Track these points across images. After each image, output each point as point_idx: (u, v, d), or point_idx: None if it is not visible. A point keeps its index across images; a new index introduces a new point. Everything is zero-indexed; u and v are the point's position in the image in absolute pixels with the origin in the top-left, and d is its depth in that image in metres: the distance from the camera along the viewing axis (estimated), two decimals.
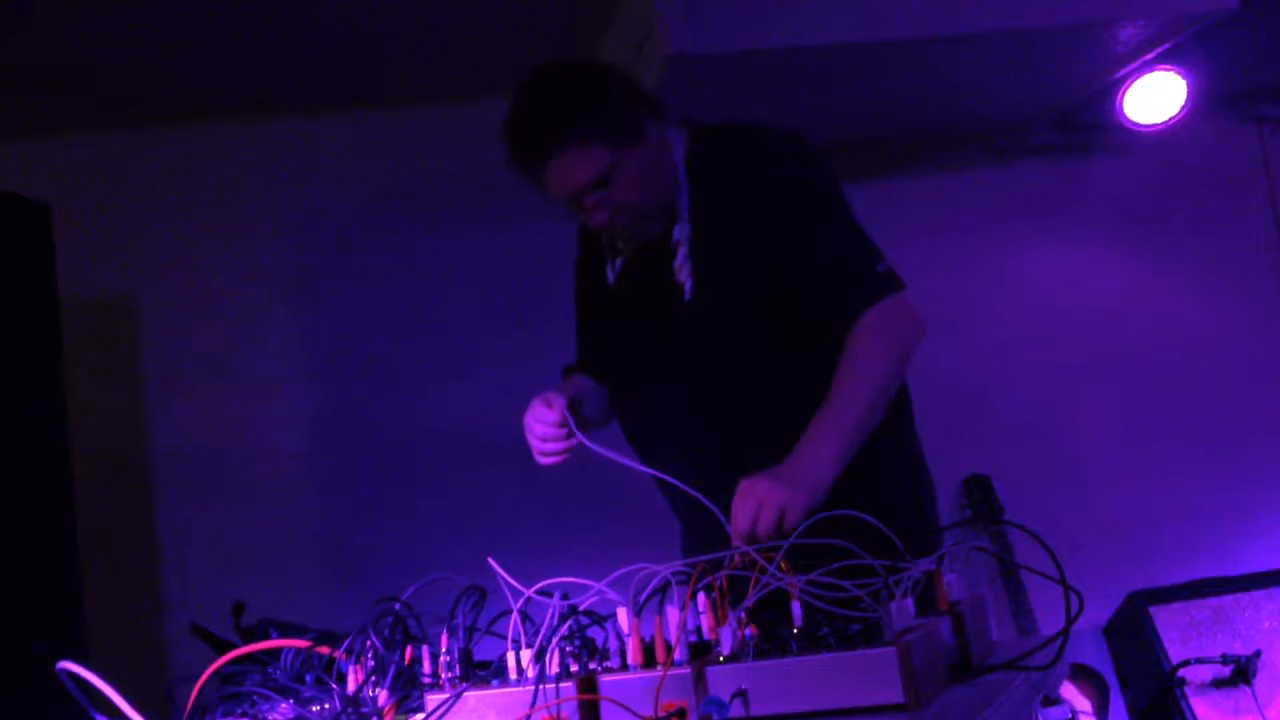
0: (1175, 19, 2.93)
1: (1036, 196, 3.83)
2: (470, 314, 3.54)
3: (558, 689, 1.17)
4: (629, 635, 1.21)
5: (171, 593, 3.34)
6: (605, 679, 1.18)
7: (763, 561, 1.29)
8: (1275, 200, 3.93)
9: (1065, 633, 1.30)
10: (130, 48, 3.00)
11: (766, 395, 1.86)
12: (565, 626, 1.22)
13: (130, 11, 2.80)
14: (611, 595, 1.28)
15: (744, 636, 1.19)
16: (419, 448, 3.46)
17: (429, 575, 1.40)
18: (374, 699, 1.28)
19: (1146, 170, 3.86)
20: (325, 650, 1.37)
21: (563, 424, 1.81)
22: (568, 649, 1.22)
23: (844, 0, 2.79)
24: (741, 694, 1.13)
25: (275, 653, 1.39)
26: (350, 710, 1.26)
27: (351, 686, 1.29)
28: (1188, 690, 3.33)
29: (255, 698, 1.33)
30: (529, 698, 1.17)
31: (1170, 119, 3.53)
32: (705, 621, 1.28)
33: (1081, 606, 1.27)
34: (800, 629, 1.22)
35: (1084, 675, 3.43)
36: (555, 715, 1.15)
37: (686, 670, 1.16)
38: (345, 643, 1.33)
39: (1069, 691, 3.37)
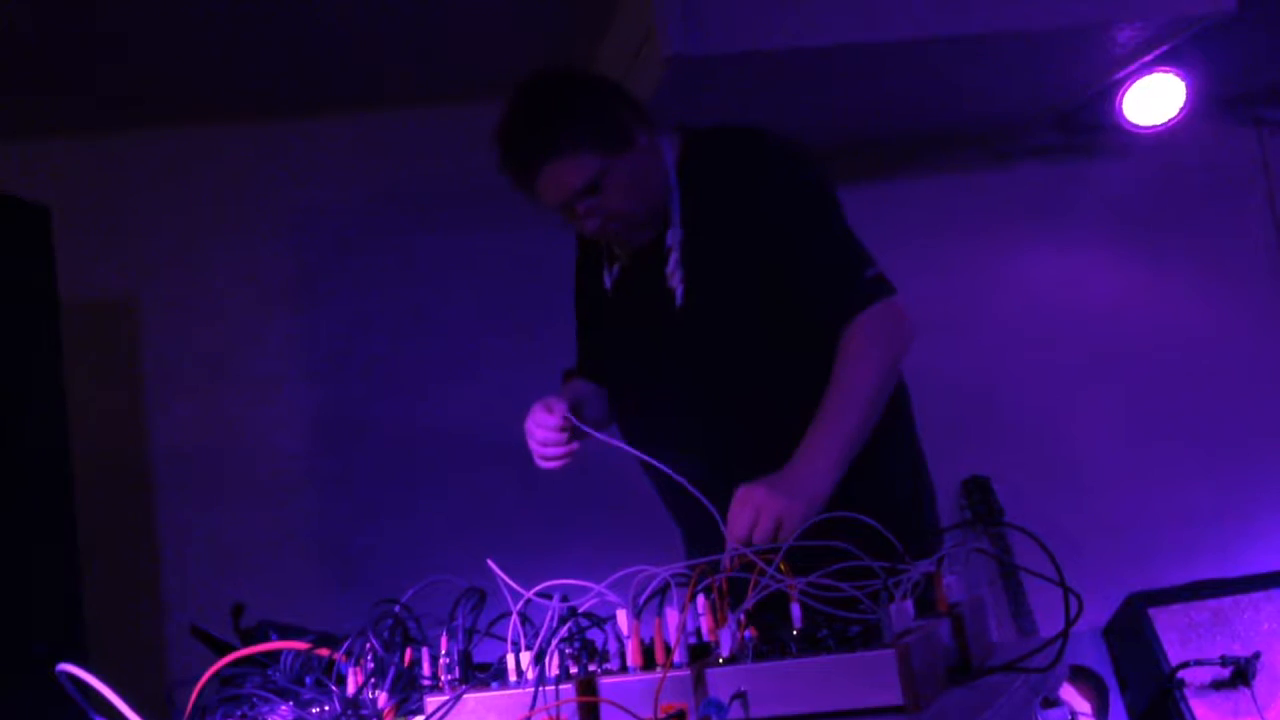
0: (1174, 21, 2.93)
1: (1036, 198, 3.84)
2: (470, 314, 3.55)
3: (557, 691, 1.17)
4: (628, 637, 1.22)
5: (171, 594, 3.34)
6: (605, 681, 1.18)
7: (761, 564, 1.29)
8: (1274, 201, 3.93)
9: (1065, 634, 1.30)
10: (130, 48, 3.00)
11: (760, 399, 1.86)
12: (565, 628, 1.23)
13: (130, 12, 2.80)
14: (611, 597, 1.28)
15: (743, 638, 1.20)
16: (419, 449, 3.46)
17: (428, 577, 1.40)
18: (373, 701, 1.28)
19: (1146, 172, 3.86)
20: (325, 652, 1.37)
21: (563, 428, 1.81)
22: (567, 651, 1.22)
23: (844, 1, 2.79)
24: (741, 696, 1.13)
25: (275, 655, 1.39)
26: (350, 712, 1.26)
27: (351, 688, 1.30)
28: (1187, 692, 3.33)
29: (255, 700, 1.34)
30: (528, 700, 1.18)
31: (1169, 121, 3.53)
32: (704, 623, 1.28)
33: (1081, 608, 1.27)
34: (799, 631, 1.23)
35: (1083, 677, 3.43)
36: (555, 717, 1.15)
37: (686, 672, 1.16)
38: (345, 645, 1.33)
39: (1068, 693, 3.37)
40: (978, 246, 3.79)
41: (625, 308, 1.98)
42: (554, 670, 1.21)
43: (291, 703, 1.32)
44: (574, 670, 1.21)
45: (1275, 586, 3.52)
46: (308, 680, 1.35)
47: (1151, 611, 3.46)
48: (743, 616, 1.22)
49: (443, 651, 1.30)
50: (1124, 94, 3.47)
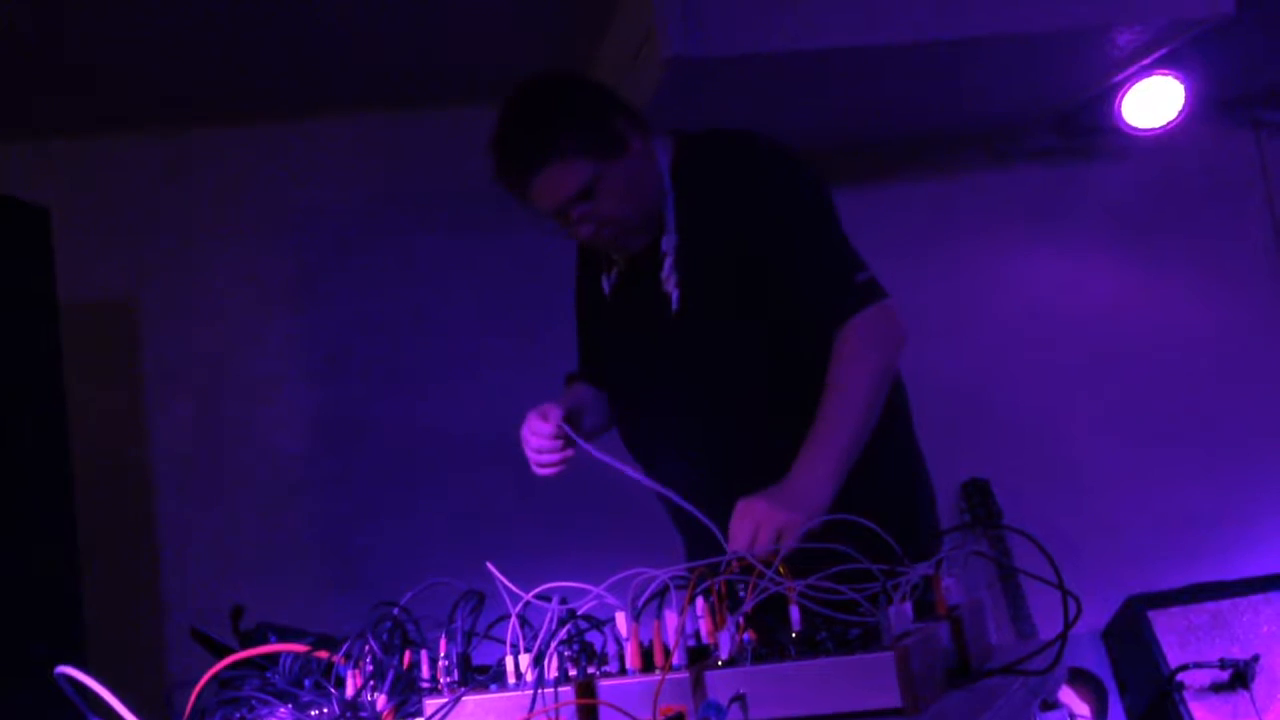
0: (1173, 24, 2.93)
1: (1035, 200, 3.84)
2: (470, 315, 3.55)
3: (556, 693, 1.17)
4: (627, 639, 1.22)
5: (170, 595, 3.34)
6: (604, 683, 1.18)
7: (760, 566, 1.29)
8: (1273, 204, 3.94)
9: (1064, 637, 1.30)
10: (129, 49, 3.00)
11: (756, 402, 1.87)
12: (564, 631, 1.23)
13: (129, 13, 2.80)
14: (610, 599, 1.28)
15: (742, 641, 1.20)
16: (418, 450, 3.46)
17: (427, 580, 1.40)
18: (372, 703, 1.28)
19: (1145, 174, 3.86)
20: (324, 655, 1.37)
21: (558, 436, 1.82)
22: (566, 653, 1.22)
23: (843, 4, 2.79)
24: (740, 698, 1.13)
25: (274, 657, 1.39)
26: (349, 715, 1.26)
27: (350, 691, 1.30)
28: (1186, 694, 3.33)
29: (254, 702, 1.34)
30: (527, 702, 1.18)
31: (1168, 123, 3.53)
32: (703, 626, 1.28)
33: (1080, 611, 1.28)
34: (798, 633, 1.23)
35: (1082, 679, 3.43)
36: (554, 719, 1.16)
37: (685, 675, 1.16)
38: (344, 647, 1.33)
39: (1067, 696, 3.37)
40: (977, 248, 3.80)
41: (623, 312, 1.99)
42: (553, 672, 1.21)
43: (290, 705, 1.32)
44: (573, 672, 1.21)
45: (1274, 589, 3.52)
46: (307, 683, 1.35)
47: (1150, 614, 3.47)
48: (741, 619, 1.22)
49: (441, 654, 1.30)
50: (1123, 96, 3.48)
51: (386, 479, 3.45)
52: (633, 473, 1.80)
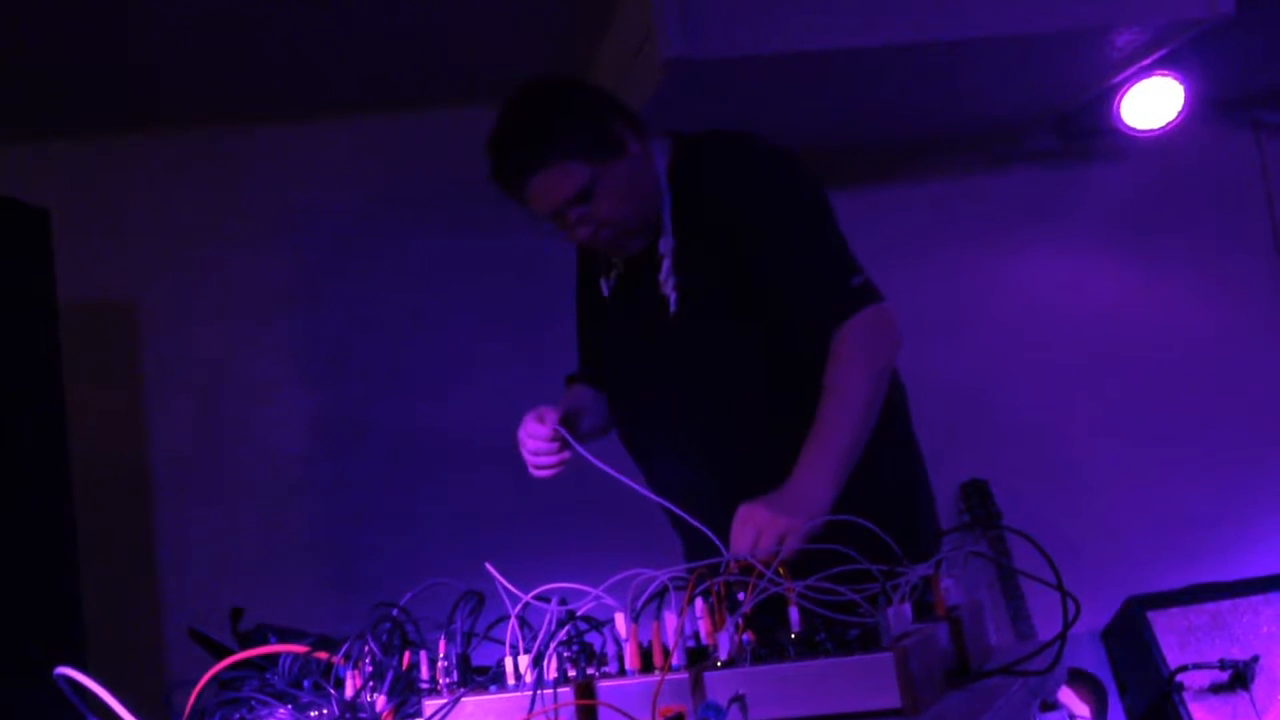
0: (1172, 24, 2.93)
1: (1035, 201, 3.84)
2: (469, 317, 3.55)
3: (555, 694, 1.17)
4: (627, 640, 1.22)
5: (170, 596, 3.34)
6: (603, 684, 1.18)
7: (760, 567, 1.29)
8: (1272, 204, 3.94)
9: (1063, 637, 1.31)
10: (129, 51, 3.00)
11: (754, 404, 1.87)
12: (563, 632, 1.23)
13: (129, 14, 2.80)
14: (609, 600, 1.28)
15: (741, 642, 1.20)
16: (418, 452, 3.46)
17: (427, 580, 1.40)
18: (372, 704, 1.28)
19: (1144, 175, 3.86)
20: (323, 655, 1.37)
21: (554, 438, 1.82)
22: (565, 654, 1.22)
23: (842, 5, 2.79)
24: (739, 699, 1.13)
25: (273, 658, 1.39)
26: (348, 715, 1.26)
27: (349, 692, 1.30)
28: (1186, 695, 3.33)
29: (253, 703, 1.34)
30: (527, 703, 1.18)
31: (1168, 124, 3.53)
32: (703, 626, 1.28)
33: (1079, 611, 1.28)
34: (798, 634, 1.23)
35: (1082, 680, 3.43)
36: None
37: (684, 675, 1.16)
38: (343, 648, 1.33)
39: (1067, 696, 3.37)
40: (976, 250, 3.80)
41: (622, 314, 1.99)
42: (552, 673, 1.21)
43: (290, 706, 1.32)
44: (572, 673, 1.21)
45: (1274, 590, 3.52)
46: (306, 683, 1.35)
47: (1150, 615, 3.47)
48: (740, 620, 1.22)
49: (441, 654, 1.30)
50: (1122, 97, 3.48)
51: (385, 480, 3.45)
52: (627, 480, 1.79)
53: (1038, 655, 1.36)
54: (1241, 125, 3.93)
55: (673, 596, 1.30)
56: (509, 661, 1.24)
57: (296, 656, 1.38)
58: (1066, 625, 1.28)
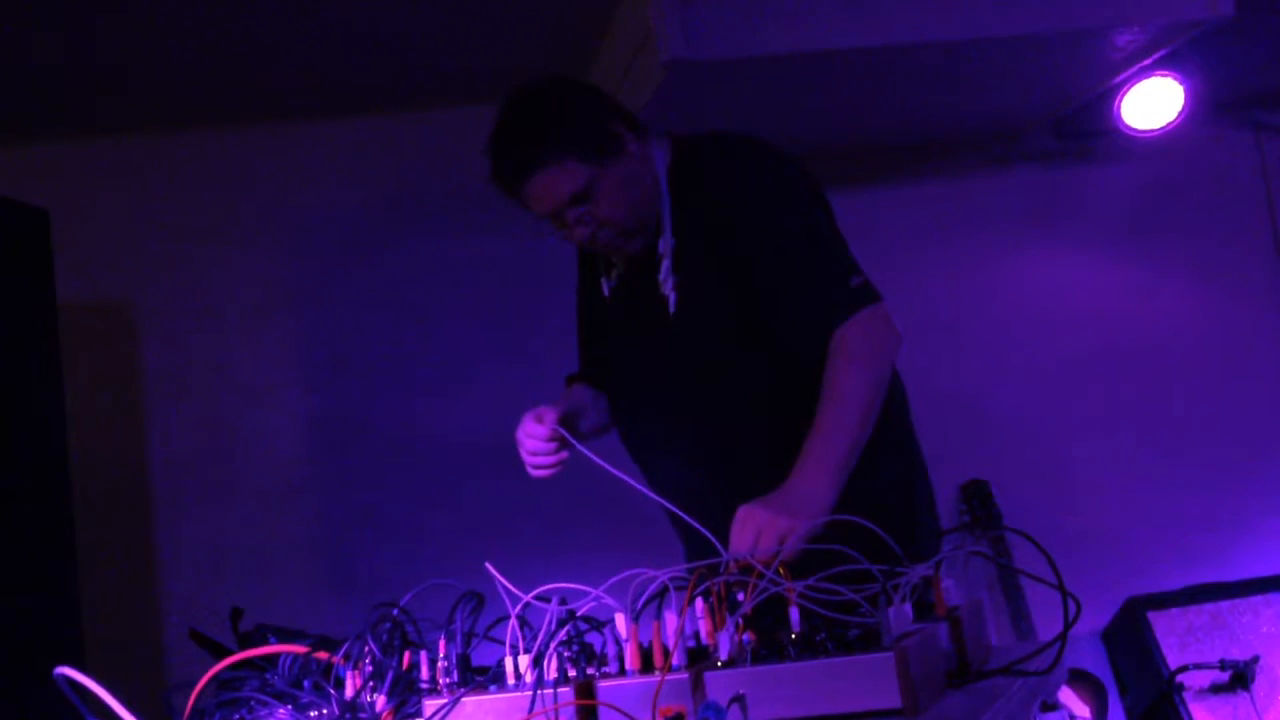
0: (1172, 25, 2.93)
1: (1034, 202, 3.84)
2: (469, 318, 3.55)
3: (555, 694, 1.17)
4: (627, 640, 1.22)
5: (169, 598, 3.33)
6: (603, 684, 1.18)
7: (760, 567, 1.29)
8: (1272, 206, 3.94)
9: (1063, 637, 1.30)
10: (129, 53, 3.00)
11: (753, 405, 1.87)
12: (563, 632, 1.23)
13: (129, 15, 2.80)
14: (609, 600, 1.28)
15: (741, 642, 1.20)
16: (417, 453, 3.46)
17: (426, 581, 1.40)
18: (372, 704, 1.28)
19: (1144, 176, 3.86)
20: (323, 656, 1.37)
21: (553, 438, 1.82)
22: (566, 654, 1.22)
23: (842, 6, 2.79)
24: (739, 699, 1.13)
25: (273, 658, 1.39)
26: (348, 716, 1.26)
27: (349, 692, 1.29)
28: (1186, 695, 3.33)
29: (253, 703, 1.33)
30: (527, 703, 1.17)
31: (1168, 125, 3.54)
32: (703, 627, 1.28)
33: (1079, 612, 1.28)
34: (798, 634, 1.22)
35: (1082, 680, 3.43)
36: None
37: (684, 675, 1.16)
38: (343, 648, 1.33)
39: (1067, 697, 3.37)
40: (976, 251, 3.80)
41: (622, 315, 1.99)
42: (552, 673, 1.21)
43: (290, 706, 1.32)
44: (572, 673, 1.21)
45: (1273, 590, 3.52)
46: (306, 684, 1.35)
47: (1150, 615, 3.47)
48: (741, 620, 1.22)
49: (441, 655, 1.30)
50: (1122, 98, 3.48)
51: (385, 480, 3.45)
52: (628, 479, 1.79)
53: (1038, 655, 1.36)
54: (1241, 126, 3.93)
55: (673, 597, 1.30)
56: (509, 661, 1.24)
57: (296, 657, 1.38)
58: (1067, 625, 1.28)
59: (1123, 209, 3.86)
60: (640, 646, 1.21)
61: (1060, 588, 1.30)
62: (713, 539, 1.60)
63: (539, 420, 1.83)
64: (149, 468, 3.39)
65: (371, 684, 1.29)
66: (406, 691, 1.30)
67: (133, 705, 1.20)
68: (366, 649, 1.31)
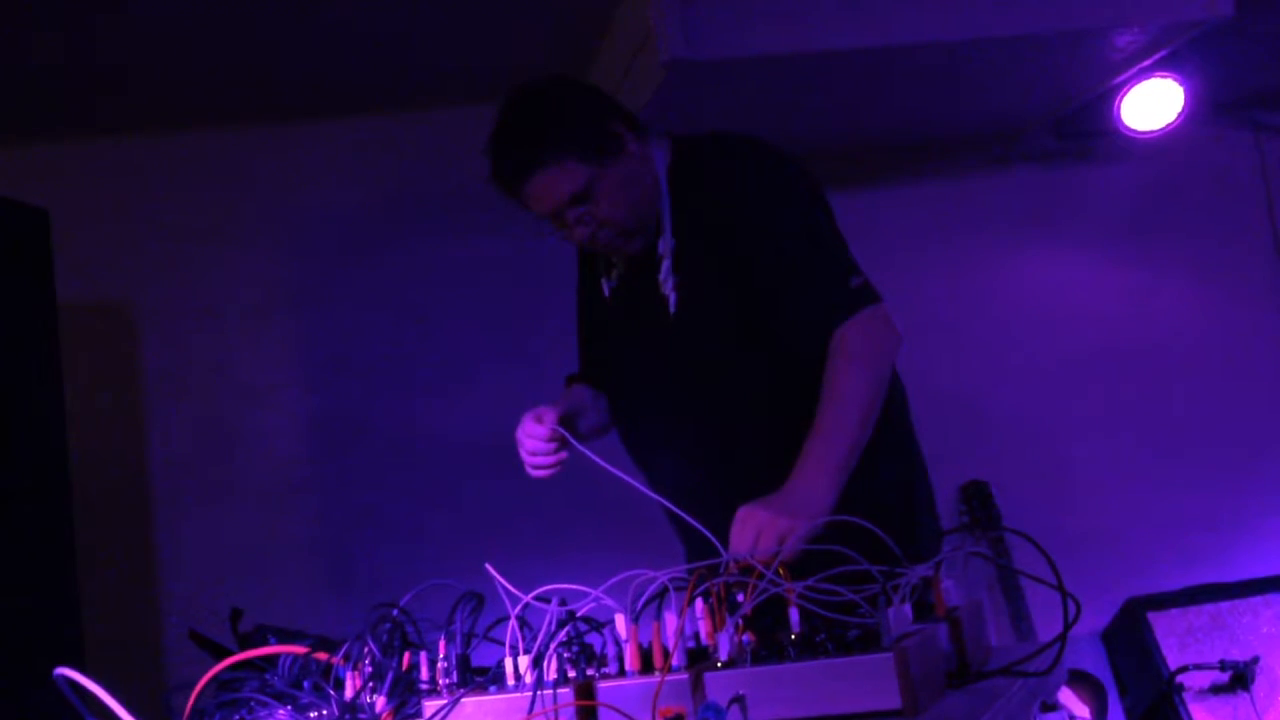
0: (1172, 26, 2.93)
1: (1034, 203, 3.84)
2: (469, 318, 3.55)
3: (555, 695, 1.17)
4: (627, 641, 1.22)
5: (169, 598, 3.33)
6: (603, 685, 1.18)
7: (760, 567, 1.29)
8: (1272, 206, 3.94)
9: (1063, 638, 1.30)
10: (128, 53, 3.00)
11: (754, 403, 1.87)
12: (563, 632, 1.22)
13: (128, 15, 2.80)
14: (609, 601, 1.28)
15: (741, 642, 1.20)
16: (417, 453, 3.46)
17: (426, 581, 1.40)
18: (371, 705, 1.28)
19: (1144, 177, 3.87)
20: (323, 656, 1.37)
21: (553, 438, 1.82)
22: (565, 655, 1.22)
23: (841, 6, 2.79)
24: (739, 699, 1.13)
25: (273, 659, 1.39)
26: (348, 716, 1.26)
27: (349, 692, 1.29)
28: (1186, 696, 3.33)
29: (253, 704, 1.33)
30: (527, 704, 1.17)
31: (1167, 125, 3.54)
32: (703, 627, 1.28)
33: (1079, 612, 1.28)
34: (797, 635, 1.22)
35: (1082, 681, 3.43)
36: None
37: (684, 676, 1.16)
38: (343, 649, 1.33)
39: (1067, 697, 3.37)
40: (975, 251, 3.80)
41: (623, 315, 1.99)
42: (552, 674, 1.21)
43: (289, 707, 1.32)
44: (572, 674, 1.21)
45: (1273, 591, 3.52)
46: (306, 684, 1.35)
47: (1150, 616, 3.47)
48: (740, 620, 1.22)
49: (441, 655, 1.30)
50: (1122, 99, 3.48)
51: (385, 481, 3.45)
52: (629, 479, 1.79)
53: (1038, 656, 1.36)
54: (1241, 126, 3.93)
55: (673, 597, 1.30)
56: (509, 662, 1.24)
57: (296, 657, 1.38)
58: (1067, 626, 1.28)
59: (1123, 209, 3.86)
60: (640, 647, 1.21)
61: (1060, 588, 1.30)
62: (713, 539, 1.60)
63: (539, 420, 1.83)
64: (149, 468, 3.39)
65: (371, 685, 1.29)
66: (406, 692, 1.30)
67: (132, 706, 1.20)
68: (366, 650, 1.31)
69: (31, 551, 2.65)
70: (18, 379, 2.71)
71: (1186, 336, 3.83)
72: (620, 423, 2.04)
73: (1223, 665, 3.33)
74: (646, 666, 1.21)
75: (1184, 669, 3.33)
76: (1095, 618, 3.59)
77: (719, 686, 1.16)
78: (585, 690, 1.17)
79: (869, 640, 1.20)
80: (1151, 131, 3.55)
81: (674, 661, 1.18)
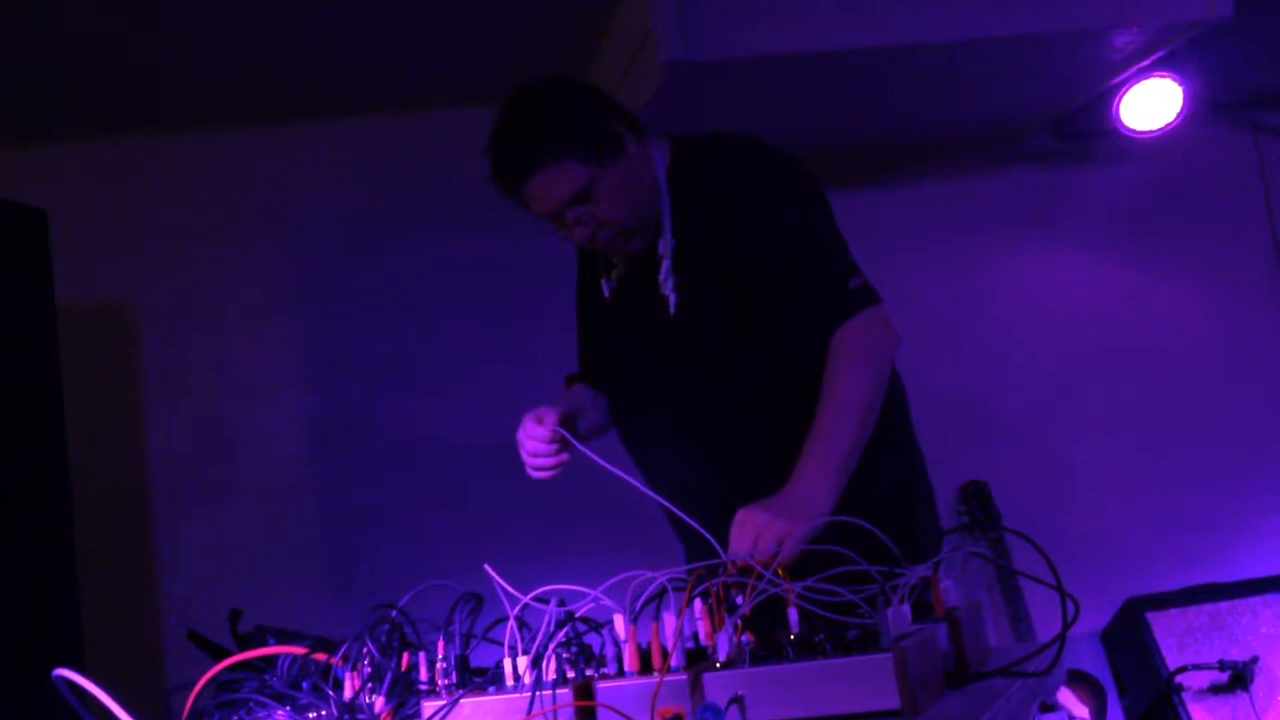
0: (1171, 26, 2.93)
1: (1033, 203, 3.84)
2: (469, 318, 3.55)
3: (554, 695, 1.17)
4: (625, 642, 1.22)
5: (168, 599, 3.33)
6: (602, 685, 1.18)
7: (759, 568, 1.29)
8: (1271, 206, 3.94)
9: (1062, 638, 1.31)
10: (128, 53, 3.00)
11: (754, 404, 1.87)
12: (562, 633, 1.23)
13: (128, 15, 2.80)
14: (608, 602, 1.28)
15: (740, 643, 1.20)
16: (417, 454, 3.46)
17: (425, 582, 1.40)
18: (370, 706, 1.28)
19: (1143, 177, 3.87)
20: (322, 657, 1.37)
21: (553, 439, 1.82)
22: (564, 655, 1.22)
23: (841, 6, 2.79)
24: (738, 700, 1.13)
25: (272, 660, 1.39)
26: (347, 717, 1.26)
27: (348, 693, 1.29)
28: (1185, 696, 3.33)
29: (252, 704, 1.33)
30: (525, 704, 1.18)
31: (1166, 125, 3.54)
32: (702, 628, 1.28)
33: (1078, 612, 1.28)
34: (796, 635, 1.23)
35: (1081, 681, 3.43)
36: None
37: (683, 677, 1.16)
38: (342, 649, 1.33)
39: (1066, 698, 3.37)
40: (974, 251, 3.80)
41: (623, 315, 2.00)
42: (551, 675, 1.21)
43: (288, 707, 1.32)
44: (571, 675, 1.21)
45: (1273, 591, 3.52)
46: (305, 685, 1.35)
47: (1149, 616, 3.47)
48: (739, 621, 1.22)
49: (439, 656, 1.30)
50: (1121, 99, 3.48)
51: (385, 481, 3.45)
52: (630, 479, 1.79)
53: (1037, 656, 1.36)
54: (1240, 127, 3.93)
55: (671, 598, 1.30)
56: (508, 663, 1.24)
57: (295, 658, 1.38)
58: (1066, 626, 1.28)
59: (1122, 209, 3.86)
60: (639, 648, 1.21)
61: (1059, 588, 1.30)
62: (712, 539, 1.60)
63: (539, 421, 1.83)
64: (149, 468, 3.39)
65: (370, 685, 1.29)
66: (405, 693, 1.30)
67: (131, 707, 1.20)
68: (365, 650, 1.31)
69: (31, 551, 2.65)
70: (17, 379, 2.71)
71: (1186, 337, 3.83)
72: (620, 423, 2.05)
73: (1222, 665, 3.33)
74: (645, 667, 1.21)
75: (1183, 669, 3.33)
76: (1094, 618, 3.59)
77: (718, 687, 1.16)
78: (584, 691, 1.17)
79: (868, 641, 1.20)
80: (1151, 131, 3.55)
81: (673, 662, 1.18)
